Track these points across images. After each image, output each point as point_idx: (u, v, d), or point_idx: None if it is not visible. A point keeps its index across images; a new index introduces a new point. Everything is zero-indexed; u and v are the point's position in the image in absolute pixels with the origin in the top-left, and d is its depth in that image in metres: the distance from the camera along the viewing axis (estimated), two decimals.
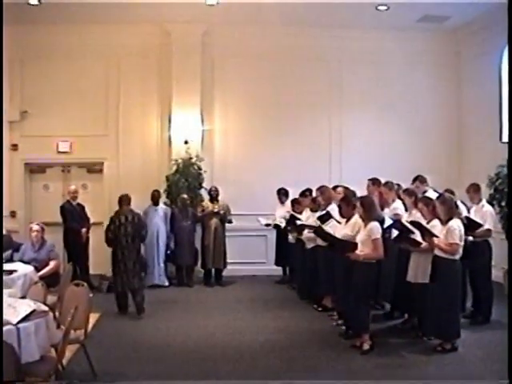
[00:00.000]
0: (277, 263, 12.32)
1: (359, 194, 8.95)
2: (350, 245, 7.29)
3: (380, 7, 11.66)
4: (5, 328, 4.95)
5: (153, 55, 13.03)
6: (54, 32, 12.52)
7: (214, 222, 11.89)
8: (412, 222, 7.56)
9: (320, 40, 13.00)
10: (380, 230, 7.25)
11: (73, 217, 11.53)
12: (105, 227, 9.98)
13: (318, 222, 8.83)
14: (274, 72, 13.17)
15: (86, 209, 11.89)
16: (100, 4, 11.23)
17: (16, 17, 11.60)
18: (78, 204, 11.79)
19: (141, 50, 12.91)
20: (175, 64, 12.70)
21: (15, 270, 7.99)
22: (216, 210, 11.88)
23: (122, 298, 9.65)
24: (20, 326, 5.08)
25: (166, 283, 11.83)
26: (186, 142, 12.62)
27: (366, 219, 7.24)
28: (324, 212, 9.05)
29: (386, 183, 9.30)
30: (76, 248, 11.41)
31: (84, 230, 11.46)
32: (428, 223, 7.47)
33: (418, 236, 7.47)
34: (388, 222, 8.18)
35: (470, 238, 7.92)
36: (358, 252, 7.17)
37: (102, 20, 12.23)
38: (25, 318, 5.22)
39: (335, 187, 9.91)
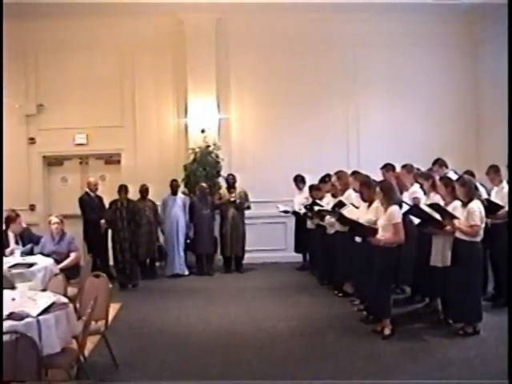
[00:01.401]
0: (296, 250, 12.31)
1: (378, 179, 8.87)
2: (371, 230, 7.25)
3: None
4: (25, 321, 4.97)
5: (167, 45, 12.99)
6: (68, 25, 12.57)
7: (232, 209, 11.90)
8: (431, 205, 7.48)
9: (334, 25, 12.89)
10: (400, 214, 7.19)
11: (92, 208, 11.58)
12: None
13: (336, 209, 8.79)
14: (289, 58, 13.10)
15: (104, 200, 11.88)
16: None
17: (30, 11, 11.70)
18: (97, 196, 11.84)
19: (155, 40, 12.89)
20: (190, 53, 12.68)
21: (35, 263, 8.02)
22: (233, 199, 11.87)
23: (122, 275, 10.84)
24: (40, 318, 5.08)
25: (186, 272, 11.86)
26: (202, 131, 12.62)
27: (386, 203, 7.18)
28: (336, 201, 9.05)
29: (405, 166, 9.21)
30: (95, 239, 11.45)
31: (103, 221, 11.48)
32: (447, 205, 7.38)
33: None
34: (405, 206, 8.10)
35: (489, 221, 7.80)
36: (378, 236, 7.13)
37: (115, 12, 12.27)
38: (45, 311, 5.22)
39: (353, 173, 9.82)
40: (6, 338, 4.53)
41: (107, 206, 11.36)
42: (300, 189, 12.02)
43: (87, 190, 11.78)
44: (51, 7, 11.76)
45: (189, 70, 12.69)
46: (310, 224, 11.07)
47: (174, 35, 12.88)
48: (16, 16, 12.06)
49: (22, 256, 8.52)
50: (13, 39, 12.56)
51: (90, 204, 11.62)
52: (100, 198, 11.86)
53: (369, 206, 7.81)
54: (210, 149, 12.44)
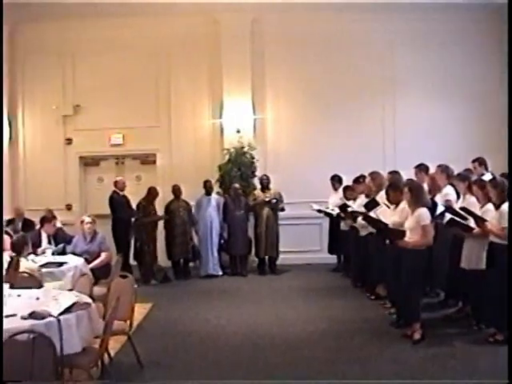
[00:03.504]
0: (330, 251, 12.21)
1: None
2: (398, 232, 7.11)
3: None
4: (46, 320, 4.98)
5: (202, 45, 13.03)
6: (104, 26, 12.72)
7: (266, 210, 11.83)
8: (462, 209, 7.31)
9: (371, 24, 12.73)
10: (429, 216, 7.04)
11: (121, 207, 11.66)
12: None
13: (364, 210, 8.67)
14: (324, 58, 13.00)
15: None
16: None
17: (66, 12, 11.82)
18: (124, 195, 11.91)
19: (190, 40, 12.94)
20: (225, 53, 12.70)
21: (65, 262, 8.10)
22: (267, 199, 11.80)
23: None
24: (61, 318, 5.08)
25: (220, 273, 11.86)
26: (238, 131, 12.65)
27: (414, 205, 7.04)
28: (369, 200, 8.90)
29: (440, 165, 9.02)
30: (125, 238, 11.48)
31: (133, 219, 11.53)
32: (482, 207, 7.21)
33: (471, 222, 7.22)
34: (440, 208, 7.94)
35: None
36: (406, 239, 6.99)
37: (150, 12, 12.37)
38: (66, 310, 5.23)
39: (391, 172, 9.65)
40: (23, 337, 4.54)
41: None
42: (336, 189, 11.90)
43: (115, 189, 11.84)
44: (87, 8, 11.91)
45: (224, 71, 12.71)
46: (343, 225, 10.95)
47: (209, 35, 12.91)
48: (53, 17, 12.30)
49: (53, 255, 8.62)
50: (50, 40, 12.86)
51: (119, 203, 11.71)
52: (126, 198, 11.92)
53: (395, 207, 7.67)
54: (245, 149, 12.43)
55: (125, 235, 11.47)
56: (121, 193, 11.82)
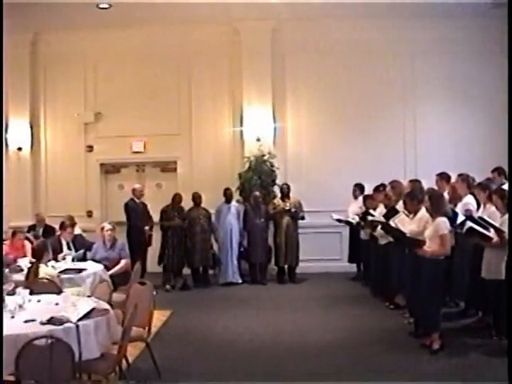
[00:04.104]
0: (350, 260, 12.17)
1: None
2: (417, 241, 7.07)
3: None
4: (64, 326, 5.03)
5: (223, 54, 13.10)
6: (124, 34, 12.86)
7: (286, 219, 11.82)
8: (480, 219, 7.25)
9: (392, 32, 12.66)
10: (448, 225, 6.98)
11: (136, 215, 11.65)
12: None
13: (383, 219, 8.64)
14: (345, 67, 12.98)
15: (149, 207, 12.06)
16: (169, 5, 11.44)
17: (87, 20, 11.97)
18: (142, 202, 11.93)
19: (211, 49, 13.02)
20: (245, 62, 12.76)
21: (85, 269, 8.16)
22: (287, 208, 11.79)
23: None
24: (80, 323, 5.12)
25: (240, 280, 11.85)
26: (258, 140, 12.66)
27: (434, 214, 6.99)
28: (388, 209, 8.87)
29: (461, 174, 8.96)
30: (139, 246, 11.39)
31: (147, 228, 11.59)
32: (502, 217, 7.14)
33: (492, 231, 7.15)
34: (461, 217, 7.89)
35: None
36: (425, 248, 6.95)
37: (171, 21, 12.46)
38: (85, 316, 5.27)
39: (411, 181, 9.60)
40: (41, 342, 4.58)
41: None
42: (356, 197, 11.86)
43: (132, 196, 11.86)
44: (108, 16, 12.02)
45: (245, 79, 12.76)
46: (363, 234, 10.91)
47: (230, 44, 12.98)
48: (74, 26, 12.42)
49: (73, 261, 8.69)
50: (71, 49, 13.03)
51: (135, 210, 11.69)
52: (145, 205, 11.96)
53: (413, 216, 7.63)
54: (265, 157, 12.43)
55: (139, 242, 11.41)
56: (137, 200, 11.81)
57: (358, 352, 7.19)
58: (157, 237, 11.89)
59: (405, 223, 7.92)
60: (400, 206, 8.83)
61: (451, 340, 7.27)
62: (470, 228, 7.36)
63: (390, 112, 13.03)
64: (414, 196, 7.69)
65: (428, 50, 12.82)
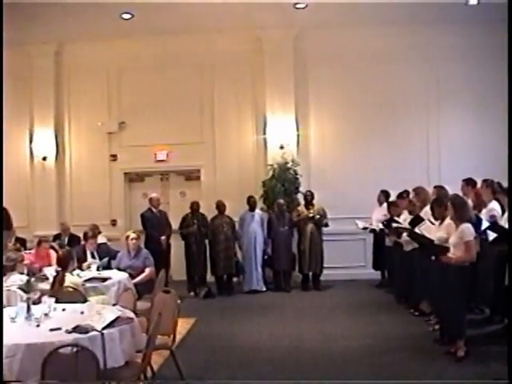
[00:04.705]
0: (375, 267, 12.12)
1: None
2: (442, 248, 7.02)
3: (471, 1, 11.41)
4: (89, 334, 5.07)
5: (245, 61, 13.15)
6: (147, 44, 13.02)
7: (310, 226, 11.80)
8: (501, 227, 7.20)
9: (412, 38, 12.64)
10: (473, 232, 6.92)
11: (152, 224, 11.67)
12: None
13: (409, 226, 8.59)
14: (368, 73, 12.95)
15: (169, 216, 12.19)
16: (191, 14, 11.59)
17: (110, 31, 12.11)
18: (160, 211, 11.98)
19: (233, 56, 13.07)
20: (268, 69, 12.80)
21: (109, 277, 8.22)
22: (311, 215, 11.78)
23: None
24: (105, 332, 5.16)
25: (264, 288, 11.86)
26: (281, 147, 12.68)
27: (458, 220, 6.94)
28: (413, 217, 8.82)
29: (485, 180, 8.90)
30: (159, 255, 11.21)
31: (163, 237, 11.60)
32: None
33: None
34: (485, 223, 7.82)
35: None
36: (450, 255, 6.90)
37: (193, 30, 12.55)
38: (110, 325, 5.31)
39: (436, 187, 9.53)
40: (66, 350, 4.62)
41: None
42: (380, 203, 11.81)
43: (150, 205, 11.91)
44: (132, 26, 12.14)
45: (267, 87, 12.80)
46: (388, 241, 10.85)
47: (252, 52, 13.01)
48: (98, 36, 12.57)
49: (98, 270, 8.76)
50: (95, 58, 13.17)
51: (151, 220, 11.71)
52: (164, 214, 12.05)
53: (440, 223, 7.57)
54: (289, 165, 12.43)
55: (156, 251, 11.18)
56: (155, 210, 11.84)
57: (382, 359, 7.15)
58: (179, 244, 11.96)
59: (431, 231, 7.86)
60: (424, 212, 8.80)
61: (477, 347, 7.19)
62: (497, 236, 7.31)
63: (412, 118, 12.98)
64: (441, 202, 7.62)
65: (451, 56, 12.76)
